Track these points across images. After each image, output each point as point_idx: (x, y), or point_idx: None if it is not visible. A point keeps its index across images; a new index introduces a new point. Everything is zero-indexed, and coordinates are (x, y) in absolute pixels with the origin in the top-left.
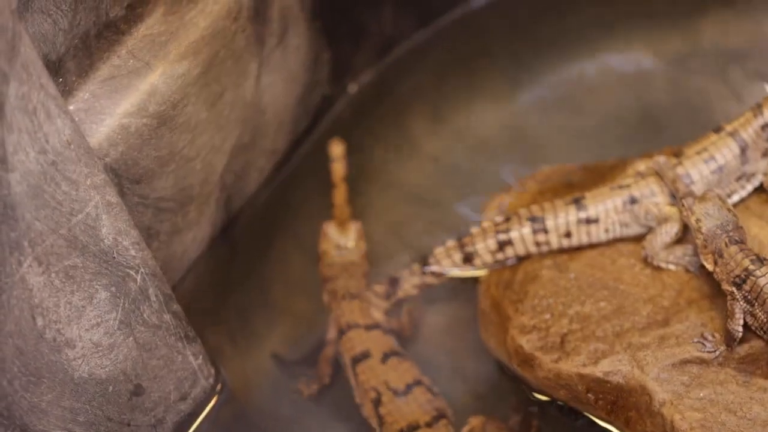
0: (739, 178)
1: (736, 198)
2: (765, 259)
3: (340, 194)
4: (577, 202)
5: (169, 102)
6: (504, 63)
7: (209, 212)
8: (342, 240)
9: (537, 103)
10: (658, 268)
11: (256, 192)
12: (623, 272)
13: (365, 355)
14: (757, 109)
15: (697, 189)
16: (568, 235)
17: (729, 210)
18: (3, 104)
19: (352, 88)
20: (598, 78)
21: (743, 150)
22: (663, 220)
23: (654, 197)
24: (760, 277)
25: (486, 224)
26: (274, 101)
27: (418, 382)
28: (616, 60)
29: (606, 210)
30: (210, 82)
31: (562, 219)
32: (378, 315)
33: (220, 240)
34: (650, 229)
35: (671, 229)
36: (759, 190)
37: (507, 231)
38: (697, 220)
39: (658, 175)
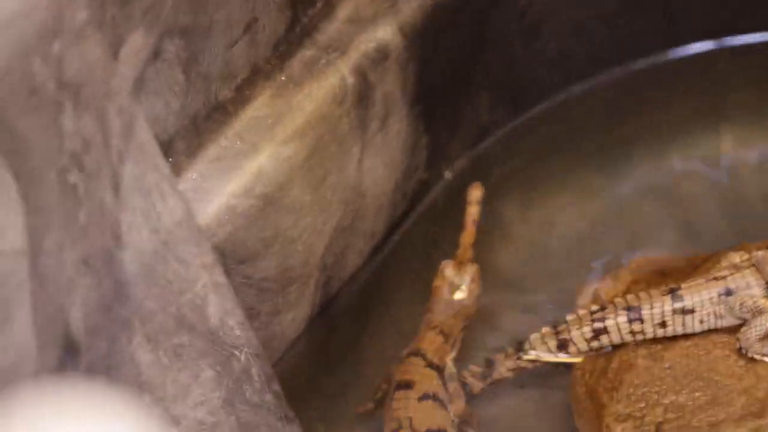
0: None
1: None
2: None
3: (468, 236)
4: (673, 293)
5: (276, 184)
6: (593, 154)
7: (308, 293)
8: (457, 279)
9: (627, 194)
10: (753, 360)
11: (354, 274)
12: (718, 363)
13: (407, 386)
14: None
15: None
16: (663, 324)
17: None
18: (119, 184)
19: (448, 174)
20: (688, 170)
21: None
22: (758, 312)
23: (749, 290)
24: None
25: (581, 312)
26: (374, 185)
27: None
28: (706, 152)
29: (701, 301)
30: (314, 166)
31: (658, 309)
32: (449, 363)
33: (318, 321)
34: (745, 321)
35: (766, 322)
36: None
37: (603, 319)
38: None
39: (754, 267)
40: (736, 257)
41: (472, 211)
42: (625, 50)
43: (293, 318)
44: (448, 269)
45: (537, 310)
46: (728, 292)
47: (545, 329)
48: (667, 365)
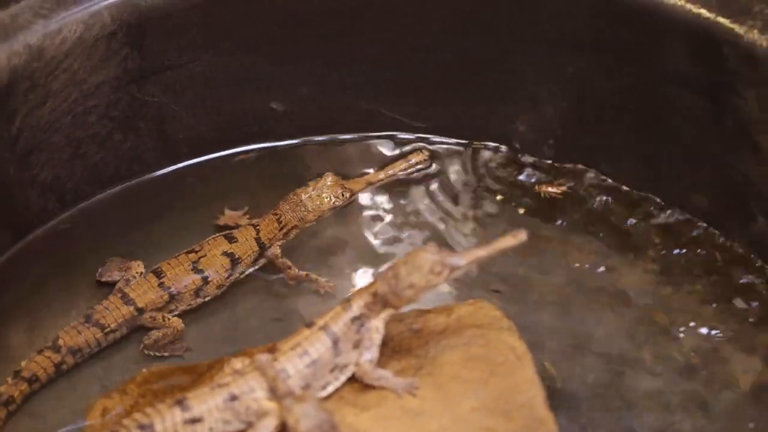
0: (332, 370)
1: (331, 389)
2: None
3: (373, 176)
4: (181, 404)
5: None
6: (95, 270)
7: None
8: (322, 189)
9: None
10: None
11: None
12: None
13: (230, 239)
14: (347, 303)
15: (294, 383)
16: None
17: (325, 410)
18: None
19: None
20: None
21: (335, 342)
22: (263, 414)
23: (253, 393)
24: None
25: None
26: None
27: None
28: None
29: (209, 409)
30: None
31: (169, 422)
32: (276, 248)
33: None
34: (251, 424)
35: (270, 424)
36: (352, 379)
37: None
38: (296, 420)
39: (257, 371)
40: (238, 363)
41: (397, 164)
42: (121, 168)
43: None
44: (329, 179)
45: None
46: (233, 397)
47: None
48: None
